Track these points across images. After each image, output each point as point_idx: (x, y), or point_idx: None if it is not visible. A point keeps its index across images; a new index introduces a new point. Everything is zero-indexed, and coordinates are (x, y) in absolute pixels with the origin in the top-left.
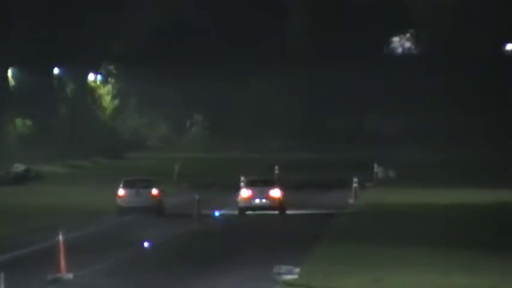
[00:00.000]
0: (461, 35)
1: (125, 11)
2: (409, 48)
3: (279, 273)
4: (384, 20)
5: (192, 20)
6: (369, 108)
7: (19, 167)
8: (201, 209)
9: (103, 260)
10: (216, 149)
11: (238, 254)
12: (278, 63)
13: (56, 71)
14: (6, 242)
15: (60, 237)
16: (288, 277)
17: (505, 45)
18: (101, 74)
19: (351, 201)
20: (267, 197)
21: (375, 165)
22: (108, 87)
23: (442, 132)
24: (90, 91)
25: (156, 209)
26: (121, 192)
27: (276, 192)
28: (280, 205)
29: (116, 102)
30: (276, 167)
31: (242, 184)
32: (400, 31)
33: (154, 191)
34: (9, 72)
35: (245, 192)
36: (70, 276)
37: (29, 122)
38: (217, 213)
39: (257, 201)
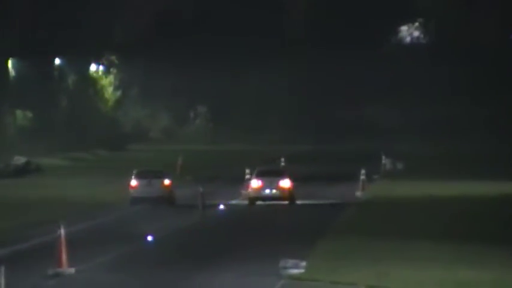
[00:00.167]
0: (469, 24)
1: (127, 1)
2: (417, 38)
3: (285, 267)
4: (391, 9)
5: (193, 11)
6: (373, 100)
7: (19, 160)
8: (205, 202)
9: (104, 254)
10: (219, 141)
11: (243, 247)
12: (279, 54)
13: (57, 61)
14: (6, 236)
15: (61, 231)
16: (294, 271)
17: None
18: (102, 64)
19: (358, 193)
20: (277, 188)
21: (383, 157)
22: (110, 78)
23: (447, 124)
24: (91, 82)
25: (168, 199)
26: (133, 182)
27: (285, 183)
28: (290, 195)
29: (118, 93)
30: (282, 159)
31: (247, 177)
32: (408, 20)
33: (166, 182)
34: (10, 63)
35: (255, 183)
36: (71, 270)
37: (29, 114)
38: (222, 206)
39: (267, 191)
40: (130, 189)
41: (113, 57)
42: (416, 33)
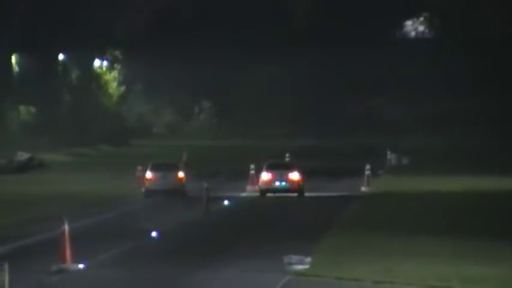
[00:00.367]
0: (474, 18)
1: None
2: (422, 32)
3: (290, 263)
4: (396, 4)
5: (196, 6)
6: (377, 95)
7: (23, 155)
8: (210, 197)
9: (107, 250)
10: (223, 137)
11: (248, 242)
12: (282, 48)
13: (60, 57)
14: (10, 232)
15: (66, 227)
16: (299, 267)
17: None
18: (106, 59)
19: (363, 188)
20: (287, 180)
21: (388, 152)
22: (114, 73)
23: (452, 119)
24: (95, 77)
25: (180, 192)
26: (149, 175)
27: (295, 175)
28: (299, 188)
29: (122, 88)
30: (287, 154)
31: (252, 172)
32: (413, 15)
33: (180, 174)
34: (13, 59)
35: (266, 175)
36: (75, 266)
37: (32, 109)
38: (226, 202)
39: (277, 183)
40: (145, 182)
41: (117, 53)
42: (421, 28)
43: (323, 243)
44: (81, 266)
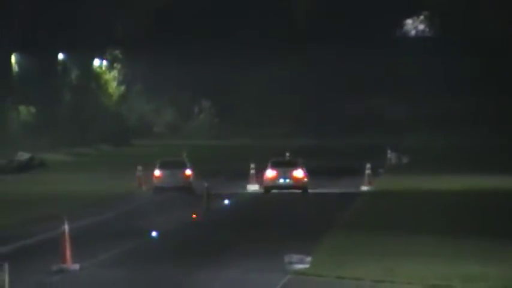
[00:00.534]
0: (474, 17)
1: None
2: (422, 31)
3: (290, 263)
4: (396, 2)
5: (196, 5)
6: (377, 94)
7: (23, 155)
8: (210, 196)
9: (108, 250)
10: (223, 136)
11: (248, 241)
12: (283, 48)
13: (60, 56)
14: (11, 232)
15: (66, 227)
16: (300, 266)
17: None
18: (106, 59)
19: (364, 187)
20: (291, 177)
21: (388, 151)
22: (114, 72)
23: (452, 118)
24: (95, 77)
25: (188, 189)
26: (157, 172)
27: (299, 173)
28: (303, 185)
29: (122, 88)
30: (287, 154)
31: (252, 172)
32: (413, 13)
33: (188, 172)
34: (13, 58)
35: (270, 173)
36: (76, 266)
37: (32, 109)
38: (226, 201)
39: (281, 181)
40: (153, 179)
41: (117, 52)
42: (421, 27)
43: (323, 242)
44: (77, 266)
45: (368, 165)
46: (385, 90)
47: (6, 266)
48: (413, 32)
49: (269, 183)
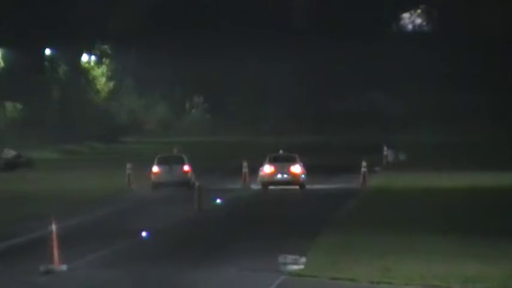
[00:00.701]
0: (472, 11)
1: None
2: (420, 25)
3: (285, 263)
4: None
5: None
6: (375, 89)
7: (10, 153)
8: (202, 195)
9: (99, 250)
10: (216, 133)
11: (242, 240)
12: (279, 43)
13: (47, 51)
14: None
15: (53, 227)
16: (294, 267)
17: None
18: (94, 54)
19: (359, 185)
20: (288, 173)
21: (384, 148)
22: (103, 68)
23: (450, 113)
24: (83, 73)
25: (187, 184)
26: (155, 169)
27: (296, 168)
28: (301, 181)
29: (111, 84)
30: (280, 151)
31: (245, 170)
32: (410, 7)
33: (186, 167)
34: None
35: (268, 168)
36: (64, 267)
37: (19, 106)
38: (218, 200)
39: (279, 176)
40: (152, 175)
41: (105, 47)
42: (418, 21)
43: (318, 241)
44: (64, 267)
45: (364, 163)
46: (383, 85)
47: None
48: (410, 26)
49: (267, 178)
